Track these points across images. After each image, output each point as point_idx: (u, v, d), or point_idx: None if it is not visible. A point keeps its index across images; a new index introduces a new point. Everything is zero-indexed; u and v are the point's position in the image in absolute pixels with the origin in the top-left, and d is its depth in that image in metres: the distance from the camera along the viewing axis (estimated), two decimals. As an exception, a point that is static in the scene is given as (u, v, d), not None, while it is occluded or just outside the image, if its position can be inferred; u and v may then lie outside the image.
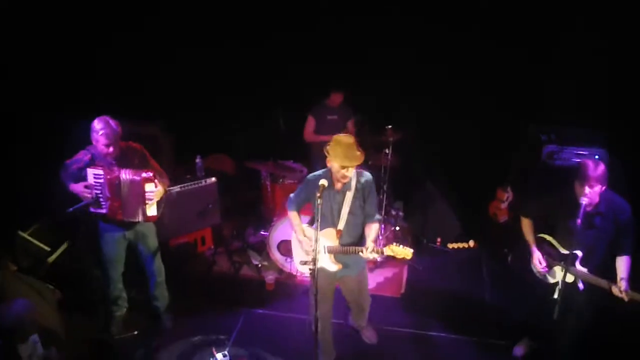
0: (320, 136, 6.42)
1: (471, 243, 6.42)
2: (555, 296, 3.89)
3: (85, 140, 4.22)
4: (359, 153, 3.81)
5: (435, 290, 5.66)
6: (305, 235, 4.15)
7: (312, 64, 6.89)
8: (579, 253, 3.89)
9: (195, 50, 6.98)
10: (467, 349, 4.83)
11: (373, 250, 3.81)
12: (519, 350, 4.67)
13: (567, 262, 3.84)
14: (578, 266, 3.91)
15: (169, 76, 6.93)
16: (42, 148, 5.95)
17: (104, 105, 4.39)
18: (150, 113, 6.62)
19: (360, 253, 3.87)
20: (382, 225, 6.22)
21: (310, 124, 6.47)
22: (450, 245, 6.42)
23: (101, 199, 4.25)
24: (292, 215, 4.25)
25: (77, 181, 4.25)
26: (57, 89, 6.29)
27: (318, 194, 3.62)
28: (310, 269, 3.64)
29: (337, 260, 4.09)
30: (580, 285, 3.95)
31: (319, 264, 4.00)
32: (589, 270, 3.90)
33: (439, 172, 6.88)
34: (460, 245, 6.43)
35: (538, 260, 4.13)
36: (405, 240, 6.55)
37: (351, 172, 3.86)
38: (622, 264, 3.85)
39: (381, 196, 6.08)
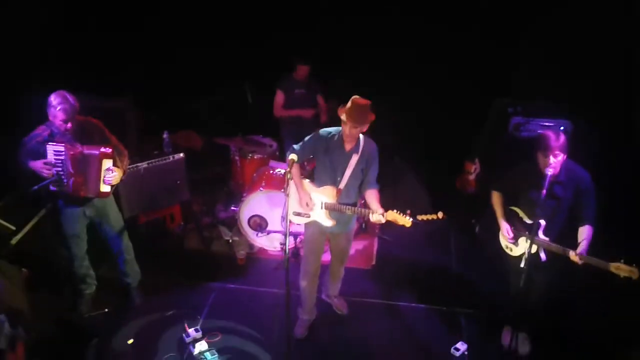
0: (289, 110, 6.39)
1: (440, 215, 6.48)
2: (522, 265, 3.98)
3: (44, 116, 4.11)
4: (366, 116, 3.89)
5: (405, 262, 5.75)
6: (304, 189, 4.23)
7: (280, 34, 6.86)
8: (542, 222, 3.98)
9: (164, 24, 6.85)
10: (436, 318, 4.93)
11: (381, 214, 3.96)
12: (506, 337, 4.66)
13: (532, 232, 3.93)
14: (541, 235, 4.01)
15: (137, 50, 6.78)
16: (4, 125, 5.80)
17: (69, 79, 4.28)
18: (118, 87, 6.50)
19: (370, 215, 4.01)
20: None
21: (280, 98, 6.42)
22: (419, 217, 6.46)
23: (63, 176, 4.14)
24: (294, 166, 4.18)
25: (36, 158, 4.11)
26: (20, 59, 6.10)
27: (288, 169, 3.69)
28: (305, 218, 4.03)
29: (332, 216, 4.21)
30: (543, 256, 4.04)
31: (313, 217, 4.24)
32: (550, 239, 3.99)
33: (408, 145, 6.92)
34: (429, 217, 6.49)
35: (506, 231, 4.20)
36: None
37: (356, 133, 3.96)
38: (582, 233, 3.93)
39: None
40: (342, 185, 4.14)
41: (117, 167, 4.34)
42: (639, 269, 3.57)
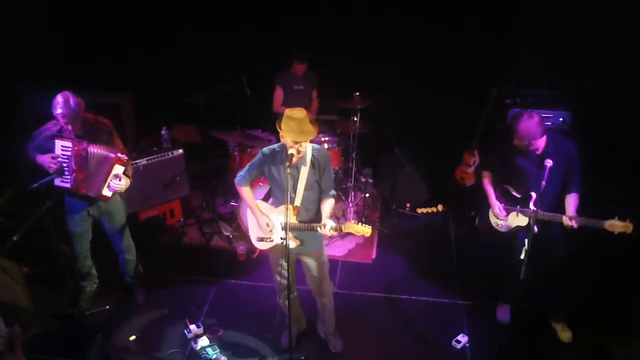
0: (288, 108, 6.37)
1: (439, 207, 6.51)
2: (522, 257, 3.98)
3: (49, 112, 4.12)
4: (312, 127, 3.65)
5: (405, 255, 5.75)
6: (261, 212, 4.00)
7: (275, 23, 6.89)
8: (533, 194, 4.07)
9: (162, 18, 6.84)
10: (437, 310, 4.94)
11: (331, 228, 3.67)
12: (503, 314, 4.76)
13: (522, 205, 4.04)
14: (532, 206, 4.08)
15: (136, 46, 6.77)
16: (3, 121, 5.79)
17: (67, 74, 4.28)
18: (115, 83, 6.48)
19: (318, 229, 3.73)
20: (352, 193, 6.27)
21: (279, 94, 6.44)
22: (419, 210, 6.50)
23: (66, 171, 4.19)
24: (244, 190, 4.02)
25: (43, 152, 4.18)
26: (20, 54, 6.10)
27: (288, 163, 3.57)
28: (268, 243, 3.56)
29: (294, 237, 3.90)
30: (535, 228, 4.02)
31: (277, 241, 3.96)
32: (542, 210, 4.04)
33: (406, 137, 6.91)
34: (429, 209, 6.51)
35: (498, 209, 4.28)
36: (374, 206, 6.62)
37: (305, 147, 3.69)
38: (570, 200, 4.07)
39: (350, 163, 6.11)
40: (297, 202, 3.83)
41: (127, 175, 4.36)
42: (632, 223, 3.73)
